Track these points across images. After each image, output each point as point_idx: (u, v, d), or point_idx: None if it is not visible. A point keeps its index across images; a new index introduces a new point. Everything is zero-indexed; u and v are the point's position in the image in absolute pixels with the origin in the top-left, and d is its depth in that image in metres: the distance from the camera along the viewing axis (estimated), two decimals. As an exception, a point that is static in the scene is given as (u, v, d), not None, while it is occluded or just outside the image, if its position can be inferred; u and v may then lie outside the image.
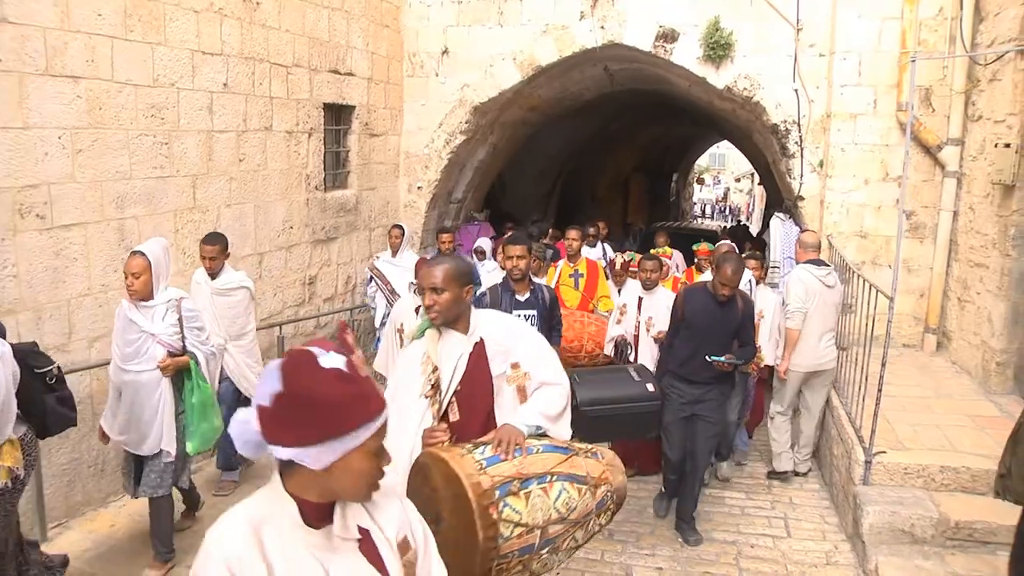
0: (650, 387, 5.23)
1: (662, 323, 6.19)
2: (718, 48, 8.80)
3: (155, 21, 5.87)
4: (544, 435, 3.07)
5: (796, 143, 8.82)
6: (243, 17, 6.82)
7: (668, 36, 9.01)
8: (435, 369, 3.15)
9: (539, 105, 10.97)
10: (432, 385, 3.13)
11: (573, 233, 7.63)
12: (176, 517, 5.12)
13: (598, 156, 18.92)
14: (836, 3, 8.28)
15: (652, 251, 8.12)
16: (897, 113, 8.21)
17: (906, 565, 4.73)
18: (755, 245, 11.07)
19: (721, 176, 52.76)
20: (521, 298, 5.25)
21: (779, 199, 11.21)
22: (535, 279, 6.36)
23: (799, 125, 8.75)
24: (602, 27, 9.20)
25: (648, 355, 6.43)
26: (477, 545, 2.58)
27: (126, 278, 4.49)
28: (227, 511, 1.66)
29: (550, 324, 5.35)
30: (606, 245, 9.47)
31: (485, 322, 3.25)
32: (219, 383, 5.71)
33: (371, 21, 8.99)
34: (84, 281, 5.43)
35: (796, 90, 8.65)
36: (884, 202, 8.39)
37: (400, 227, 8.40)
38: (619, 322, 6.64)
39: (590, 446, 3.15)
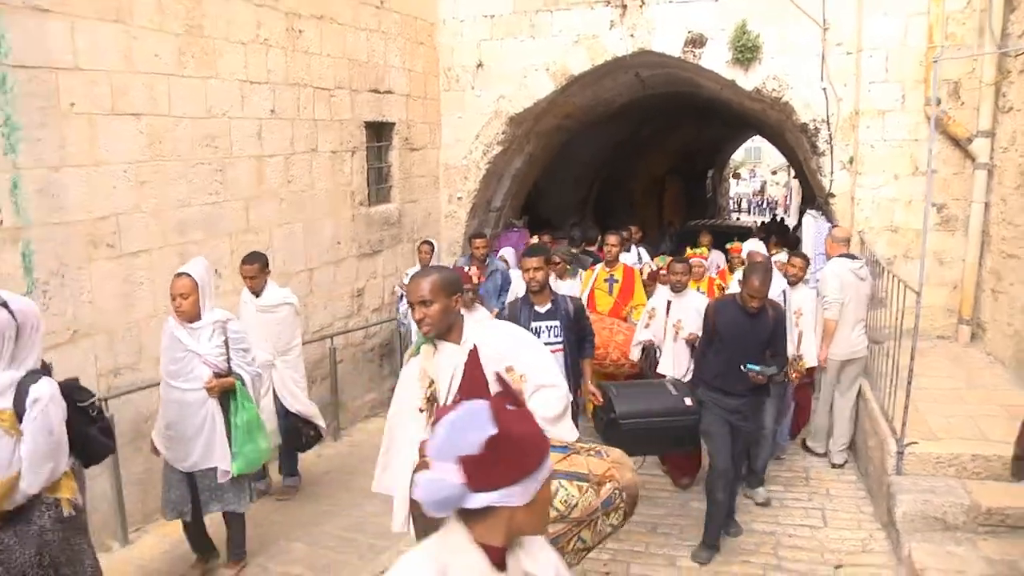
0: (687, 401, 5.28)
1: (692, 325, 6.25)
2: (746, 51, 8.99)
3: (206, 56, 6.25)
4: None
5: (826, 141, 8.97)
6: (287, 46, 7.19)
7: (696, 41, 9.22)
8: (431, 383, 3.22)
9: (573, 112, 11.23)
10: (428, 398, 3.20)
11: (612, 239, 7.77)
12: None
13: (631, 161, 19.09)
14: (862, 1, 8.42)
15: (689, 250, 8.19)
16: (925, 108, 8.31)
17: (938, 551, 4.92)
18: (781, 240, 11.15)
19: (757, 169, 52.53)
20: (541, 309, 5.23)
21: (813, 195, 11.34)
22: (562, 288, 6.54)
23: (828, 123, 8.90)
24: (632, 35, 9.44)
25: (671, 361, 6.51)
26: None
27: (173, 299, 4.56)
28: (401, 559, 1.72)
29: (578, 335, 5.36)
30: (641, 249, 9.68)
31: (479, 330, 3.28)
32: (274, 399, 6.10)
33: (407, 40, 9.33)
34: (151, 303, 5.82)
35: (824, 89, 8.81)
36: (914, 196, 8.51)
37: (430, 243, 8.44)
38: (647, 326, 6.69)
39: (593, 445, 3.14)
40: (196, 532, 5.02)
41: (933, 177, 8.13)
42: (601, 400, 5.34)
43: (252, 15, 6.71)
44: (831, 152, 9.01)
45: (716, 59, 9.22)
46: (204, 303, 4.61)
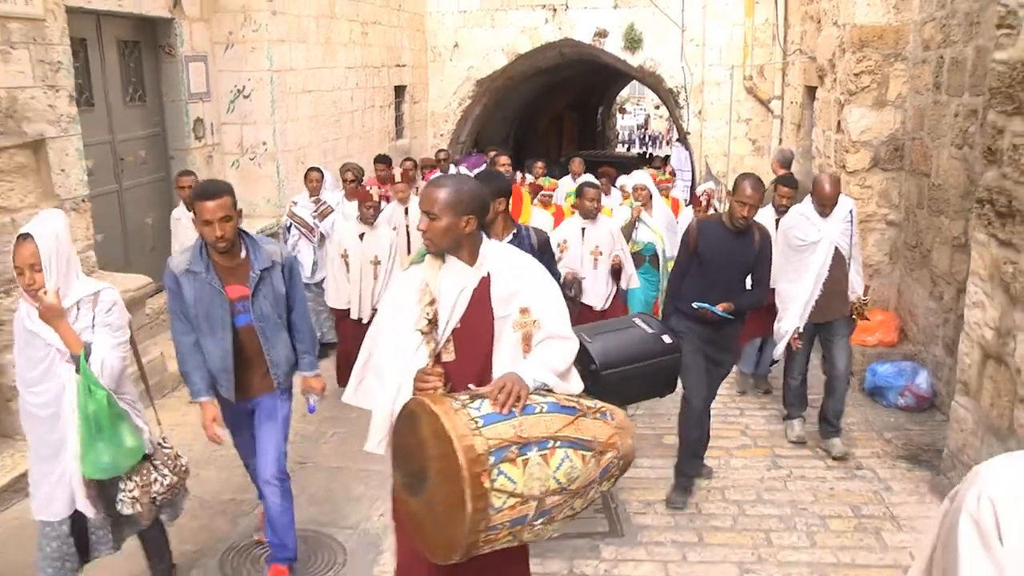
0: (666, 338, 4.55)
1: (606, 249, 6.37)
2: (633, 42, 13.99)
3: (333, 54, 10.76)
4: (550, 391, 2.77)
5: (684, 100, 14.13)
6: (361, 42, 11.71)
7: (601, 34, 14.16)
8: (433, 301, 2.89)
9: (514, 75, 16.04)
10: (428, 320, 2.87)
11: (503, 158, 9.30)
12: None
13: (541, 104, 23.94)
14: (705, 15, 13.52)
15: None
16: (743, 81, 13.54)
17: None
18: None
19: (642, 103, 57.24)
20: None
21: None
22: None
23: (685, 89, 14.05)
24: (559, 28, 14.29)
25: (593, 291, 6.45)
26: (464, 516, 2.39)
27: (21, 274, 3.35)
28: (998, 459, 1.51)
29: None
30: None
31: (495, 255, 2.98)
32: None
33: (411, 29, 13.88)
34: (313, 197, 10.41)
35: (682, 67, 13.92)
36: (737, 135, 13.79)
37: (319, 170, 8.30)
38: (559, 260, 6.23)
39: (600, 405, 2.84)
40: None
41: (749, 124, 13.47)
42: None
43: (348, 27, 11.22)
44: (688, 106, 14.17)
45: (614, 46, 14.19)
46: (68, 277, 3.45)
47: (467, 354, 2.93)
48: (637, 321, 4.67)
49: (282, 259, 4.09)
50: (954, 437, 4.90)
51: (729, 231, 4.89)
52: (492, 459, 2.43)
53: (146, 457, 3.69)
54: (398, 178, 8.33)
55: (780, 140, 13.38)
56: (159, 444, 3.83)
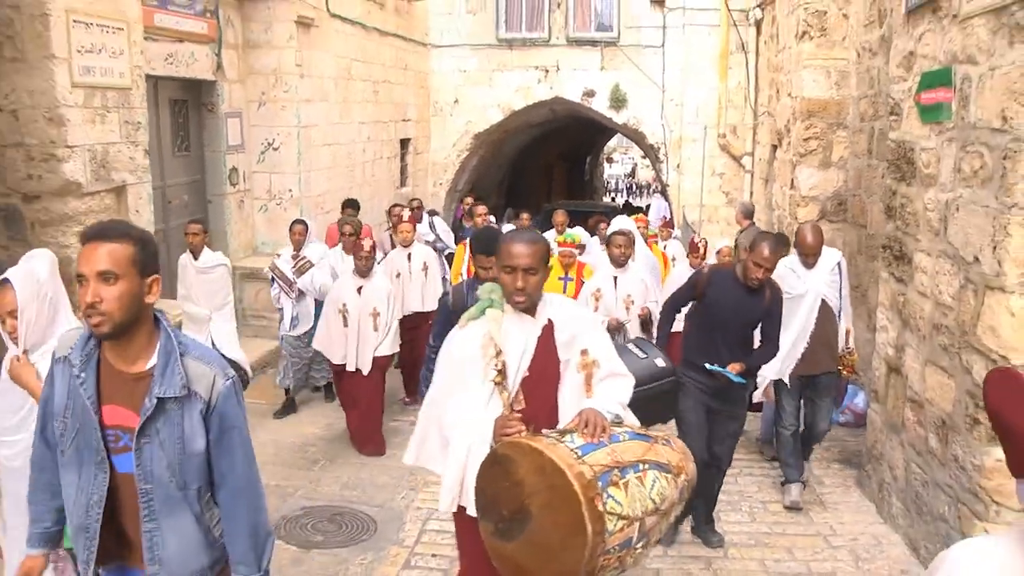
0: (660, 362, 4.63)
1: (639, 298, 6.41)
2: (618, 101, 15.35)
3: (348, 111, 12.02)
4: (622, 422, 2.96)
5: (664, 154, 15.46)
6: (373, 100, 13.00)
7: (589, 93, 15.52)
8: (499, 352, 3.00)
9: (509, 129, 17.37)
10: (498, 370, 2.99)
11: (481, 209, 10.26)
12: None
13: (532, 155, 25.36)
14: (684, 78, 14.89)
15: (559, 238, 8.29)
16: (718, 139, 14.89)
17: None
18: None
19: (629, 152, 58.57)
20: None
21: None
22: None
23: (665, 144, 15.38)
24: (551, 88, 15.65)
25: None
26: (585, 541, 2.47)
27: (2, 321, 3.23)
28: (960, 545, 1.55)
29: None
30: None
31: (552, 303, 3.12)
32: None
33: (416, 86, 15.21)
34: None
35: (663, 125, 15.28)
36: (711, 187, 15.09)
37: (303, 223, 8.16)
38: (596, 309, 6.40)
39: (662, 432, 3.06)
40: None
41: (723, 177, 14.79)
42: None
43: (362, 87, 12.51)
44: (667, 160, 15.50)
45: (601, 104, 15.55)
46: (52, 320, 3.19)
47: (537, 400, 3.05)
48: (631, 347, 4.76)
49: (211, 393, 2.44)
50: (870, 436, 6.05)
51: (741, 285, 4.80)
52: (600, 483, 2.55)
53: None
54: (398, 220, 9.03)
55: (751, 193, 14.72)
56: None
